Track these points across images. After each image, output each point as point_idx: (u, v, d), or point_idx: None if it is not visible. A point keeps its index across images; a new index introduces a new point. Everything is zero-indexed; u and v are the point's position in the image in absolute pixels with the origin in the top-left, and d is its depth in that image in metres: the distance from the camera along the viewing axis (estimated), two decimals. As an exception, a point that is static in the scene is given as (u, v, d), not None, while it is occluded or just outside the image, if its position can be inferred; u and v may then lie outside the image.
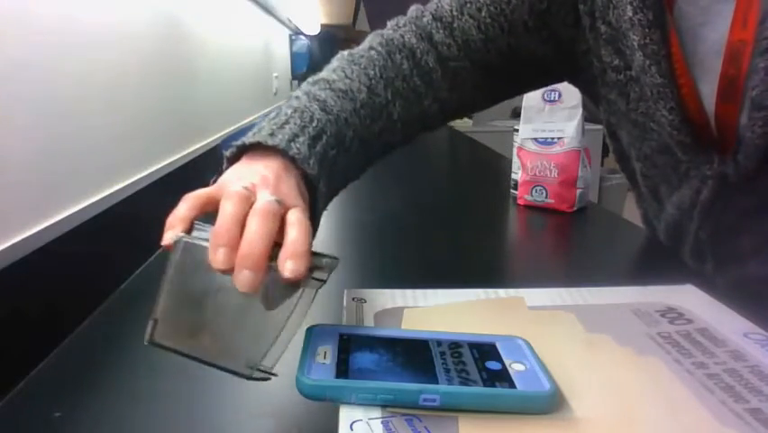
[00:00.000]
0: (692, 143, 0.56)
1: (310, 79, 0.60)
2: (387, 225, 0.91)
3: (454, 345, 0.40)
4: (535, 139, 0.99)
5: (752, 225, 0.57)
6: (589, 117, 0.97)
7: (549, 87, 0.98)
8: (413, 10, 0.67)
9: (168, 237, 0.37)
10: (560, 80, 0.74)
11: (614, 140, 0.73)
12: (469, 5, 0.63)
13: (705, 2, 0.52)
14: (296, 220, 0.38)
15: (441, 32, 0.63)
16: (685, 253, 0.68)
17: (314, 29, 2.82)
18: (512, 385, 0.36)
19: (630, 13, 0.53)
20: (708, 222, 0.61)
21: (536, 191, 1.00)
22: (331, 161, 0.51)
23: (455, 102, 0.67)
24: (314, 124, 0.50)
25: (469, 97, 0.68)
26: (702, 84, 0.54)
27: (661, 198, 0.68)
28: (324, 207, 0.53)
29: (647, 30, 0.53)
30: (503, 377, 0.36)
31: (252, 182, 0.41)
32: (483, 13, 0.62)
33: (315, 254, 0.37)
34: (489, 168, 1.54)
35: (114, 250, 0.63)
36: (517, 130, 1.03)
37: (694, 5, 0.53)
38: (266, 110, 1.90)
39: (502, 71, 0.66)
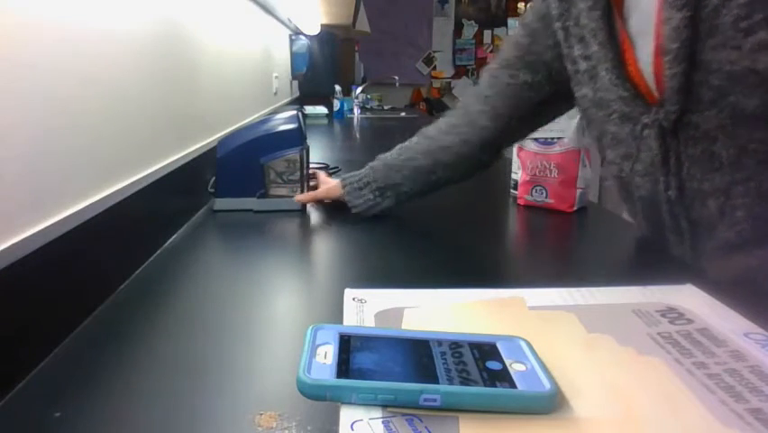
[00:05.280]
0: (631, 97, 0.65)
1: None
2: (387, 225, 0.91)
3: (455, 345, 0.40)
4: (535, 139, 0.99)
5: (711, 179, 0.61)
6: (588, 117, 0.97)
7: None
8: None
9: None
10: (567, 105, 0.84)
11: (600, 151, 0.79)
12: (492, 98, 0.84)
13: None
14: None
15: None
16: (668, 234, 0.70)
17: (314, 29, 2.82)
18: (513, 385, 0.36)
19: (583, 5, 0.68)
20: (672, 179, 0.65)
21: (536, 191, 1.00)
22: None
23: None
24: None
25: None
26: (642, 45, 0.63)
27: (631, 182, 0.72)
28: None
29: (591, 11, 0.67)
30: (504, 377, 0.36)
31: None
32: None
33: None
34: (489, 168, 1.53)
35: (115, 250, 0.63)
36: (517, 130, 1.02)
37: None
38: (266, 110, 1.90)
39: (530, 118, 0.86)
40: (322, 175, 1.01)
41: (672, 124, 0.61)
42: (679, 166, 0.63)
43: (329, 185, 0.97)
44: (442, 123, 0.90)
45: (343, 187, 0.93)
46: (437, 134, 0.89)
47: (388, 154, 0.92)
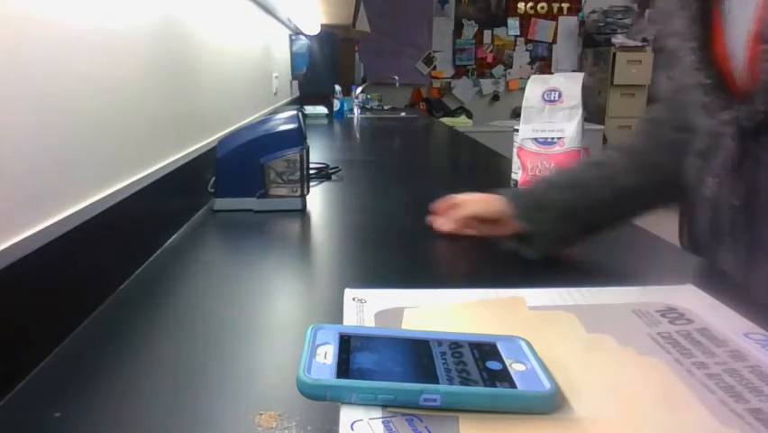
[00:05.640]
0: (711, 86, 0.58)
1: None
2: (387, 225, 0.91)
3: (455, 345, 0.40)
4: (535, 139, 0.99)
5: None
6: (588, 117, 0.97)
7: (549, 87, 0.98)
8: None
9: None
10: None
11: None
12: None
13: None
14: None
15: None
16: (724, 243, 0.64)
17: (314, 29, 2.82)
18: (512, 385, 0.36)
19: None
20: (741, 186, 0.58)
21: (536, 191, 1.00)
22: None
23: None
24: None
25: None
26: (738, 24, 0.56)
27: (701, 181, 0.65)
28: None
29: None
30: (503, 377, 0.36)
31: None
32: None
33: None
34: (489, 168, 1.53)
35: (115, 250, 0.63)
36: (517, 130, 1.02)
37: None
38: (266, 110, 1.90)
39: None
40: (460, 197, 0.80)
41: (757, 124, 0.54)
42: (753, 174, 0.56)
43: (478, 200, 0.75)
44: (645, 136, 0.75)
45: (509, 203, 0.70)
46: (645, 148, 0.73)
47: (570, 169, 0.74)
